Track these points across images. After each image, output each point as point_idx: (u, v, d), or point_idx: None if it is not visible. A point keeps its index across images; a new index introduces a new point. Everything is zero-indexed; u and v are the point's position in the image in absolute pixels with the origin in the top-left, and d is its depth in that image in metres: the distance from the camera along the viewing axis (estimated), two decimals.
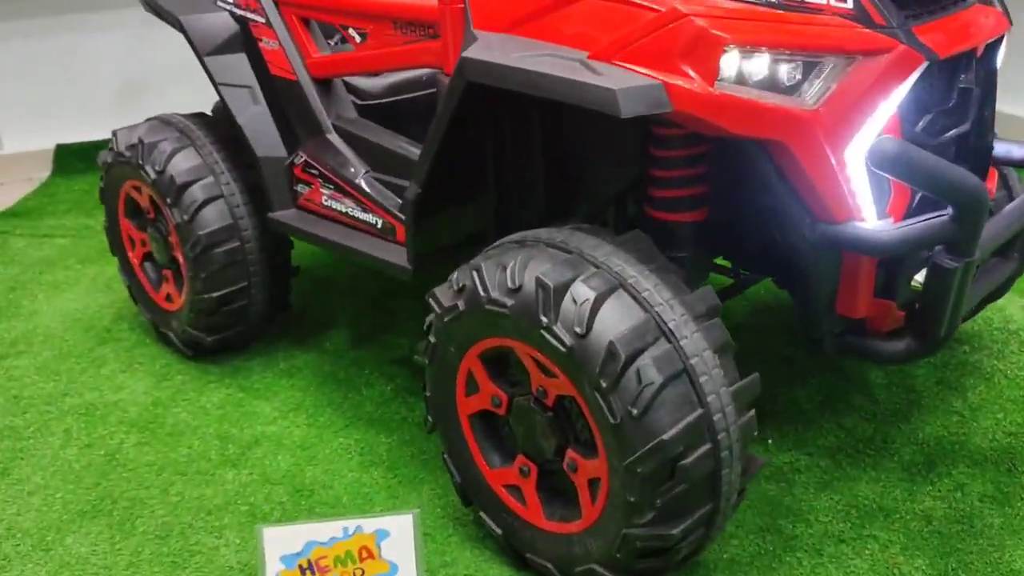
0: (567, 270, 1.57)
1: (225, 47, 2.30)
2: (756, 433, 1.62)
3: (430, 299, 1.78)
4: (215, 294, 2.47)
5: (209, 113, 2.73)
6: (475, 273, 1.66)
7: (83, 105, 4.36)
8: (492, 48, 1.65)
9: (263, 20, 2.25)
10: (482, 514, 1.86)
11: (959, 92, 1.73)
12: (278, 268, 2.55)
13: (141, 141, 2.48)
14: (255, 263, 2.48)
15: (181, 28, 2.34)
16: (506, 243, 1.73)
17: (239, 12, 2.29)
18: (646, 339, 1.50)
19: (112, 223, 2.77)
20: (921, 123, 1.67)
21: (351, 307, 2.93)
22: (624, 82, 1.49)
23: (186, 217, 2.40)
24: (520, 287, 1.58)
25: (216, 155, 2.45)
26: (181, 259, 2.51)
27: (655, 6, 1.53)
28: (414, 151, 2.05)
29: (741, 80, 1.51)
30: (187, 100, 4.37)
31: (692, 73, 1.50)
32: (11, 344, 2.86)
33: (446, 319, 1.73)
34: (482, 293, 1.63)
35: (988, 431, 2.18)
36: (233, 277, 2.47)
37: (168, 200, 2.42)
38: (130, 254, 2.77)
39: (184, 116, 2.59)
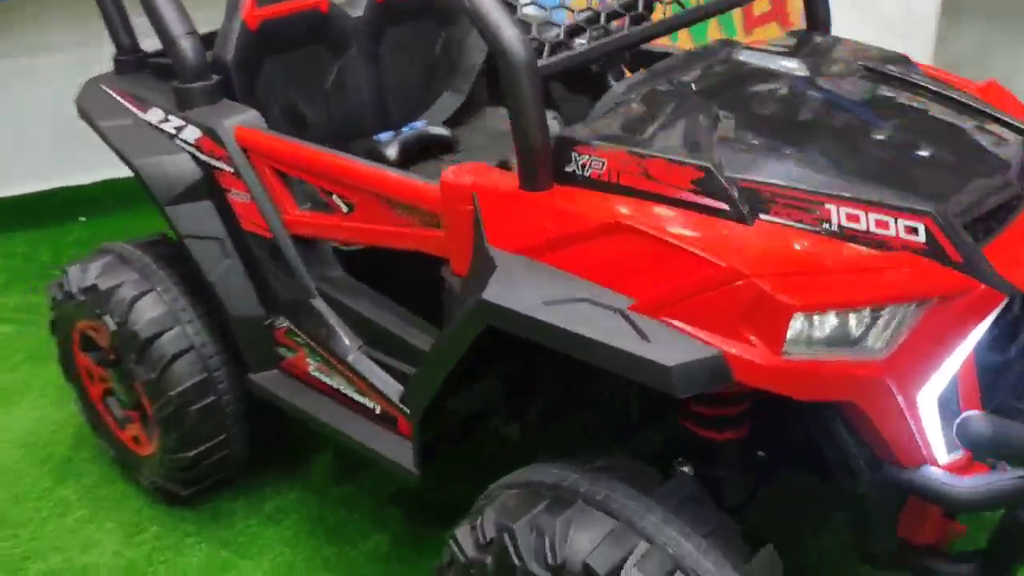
0: (616, 549, 1.39)
1: (188, 195, 2.04)
2: None
3: (451, 541, 1.59)
4: (191, 453, 2.24)
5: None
6: (507, 536, 1.47)
7: (19, 154, 3.99)
8: (515, 285, 1.43)
9: (231, 170, 1.98)
10: None
11: None
12: (259, 413, 2.32)
13: (96, 286, 2.21)
14: (233, 414, 2.26)
15: (136, 173, 2.06)
16: (536, 485, 1.54)
17: (203, 157, 2.02)
18: None
19: (66, 355, 2.51)
20: (997, 358, 1.50)
21: None
22: (679, 354, 1.30)
23: (154, 375, 2.16)
24: (563, 565, 1.40)
25: (182, 299, 2.20)
26: (150, 411, 2.27)
27: (714, 259, 1.33)
28: (414, 335, 1.84)
29: (808, 343, 1.33)
30: None
31: (754, 339, 1.31)
32: None
33: (472, 571, 1.55)
34: (516, 561, 1.45)
35: None
36: (209, 432, 2.25)
37: (133, 356, 2.17)
38: (88, 387, 2.52)
39: (141, 248, 2.32)
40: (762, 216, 1.40)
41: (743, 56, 1.84)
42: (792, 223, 1.40)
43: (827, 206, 1.39)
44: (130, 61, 2.29)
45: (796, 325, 1.31)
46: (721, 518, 1.48)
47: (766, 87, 1.73)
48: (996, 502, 1.43)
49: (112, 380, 2.41)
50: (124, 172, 4.33)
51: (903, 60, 1.89)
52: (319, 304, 1.98)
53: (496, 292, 1.43)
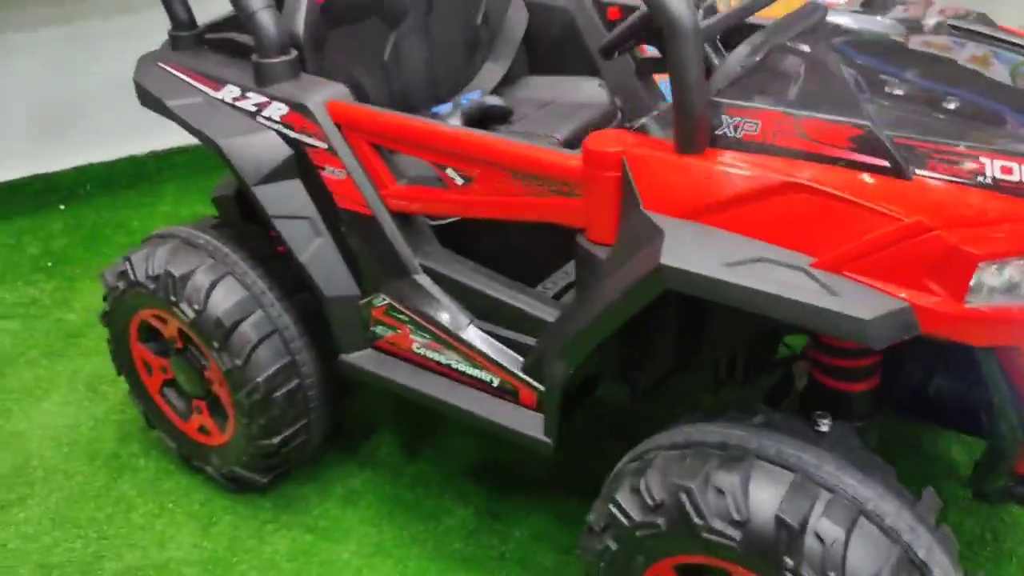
0: (802, 500, 1.44)
1: (277, 174, 1.98)
2: None
3: (610, 506, 1.61)
4: (275, 439, 2.20)
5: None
6: (684, 495, 1.50)
7: None
8: (691, 249, 1.45)
9: (324, 146, 1.94)
10: None
11: None
12: (336, 396, 2.29)
13: (169, 273, 2.14)
14: (315, 398, 2.22)
15: (222, 154, 1.99)
16: (699, 444, 1.57)
17: (292, 135, 1.96)
18: None
19: (120, 346, 2.42)
20: None
21: (391, 402, 2.69)
22: (871, 307, 1.34)
23: (239, 362, 2.10)
24: (750, 520, 1.44)
25: (260, 281, 2.15)
26: (227, 400, 2.22)
27: (897, 214, 1.37)
28: (534, 306, 1.84)
29: (988, 292, 1.39)
30: (116, 131, 3.91)
31: (938, 290, 1.37)
32: (5, 486, 2.50)
33: (638, 533, 1.57)
34: (697, 520, 1.48)
35: None
36: (293, 418, 2.20)
37: (215, 344, 2.11)
38: (145, 380, 2.43)
39: (206, 231, 2.24)
40: (918, 171, 1.45)
41: (837, 19, 1.89)
42: (949, 177, 1.45)
43: (982, 159, 1.45)
44: (188, 38, 2.19)
45: (979, 275, 1.36)
46: (883, 464, 1.54)
47: (878, 47, 1.77)
48: None
49: (175, 370, 2.33)
50: (98, 157, 4.19)
51: (984, 17, 1.97)
52: (424, 280, 1.96)
53: (674, 256, 1.44)
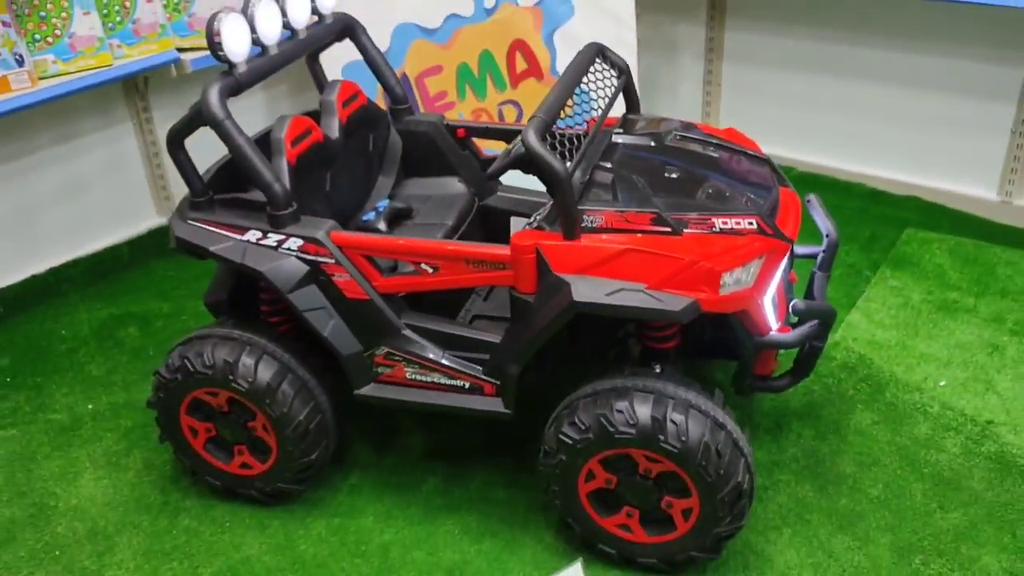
0: (661, 407, 2.80)
1: (301, 283, 3.06)
2: None
3: (558, 434, 2.90)
4: (309, 457, 3.28)
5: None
6: (602, 419, 2.82)
7: None
8: (585, 290, 2.76)
9: (332, 261, 3.06)
10: (600, 546, 3.07)
11: None
12: (342, 420, 3.40)
13: (225, 361, 3.15)
14: (330, 422, 3.32)
15: (263, 277, 3.05)
16: (603, 391, 2.89)
17: (309, 257, 3.06)
18: (715, 434, 2.80)
19: (169, 422, 3.36)
20: None
21: (364, 421, 3.80)
22: (679, 305, 2.72)
23: (285, 410, 3.16)
24: (638, 422, 2.78)
25: (285, 354, 3.21)
26: (272, 438, 3.25)
27: (681, 256, 2.75)
28: (485, 335, 3.08)
29: (728, 286, 2.82)
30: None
31: (706, 289, 2.78)
32: (92, 543, 3.34)
33: (578, 446, 2.87)
34: (611, 429, 2.81)
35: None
36: (321, 439, 3.29)
37: (266, 401, 3.15)
38: (191, 441, 3.39)
39: (235, 329, 3.26)
40: (686, 230, 2.85)
41: (617, 139, 3.28)
42: (701, 230, 2.86)
43: (713, 219, 2.87)
44: (203, 201, 3.20)
45: (723, 279, 2.78)
46: (692, 382, 2.95)
47: (643, 158, 3.18)
48: (803, 340, 3.04)
49: (221, 427, 3.33)
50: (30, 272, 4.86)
51: (691, 125, 3.45)
52: (409, 332, 3.13)
53: (580, 294, 2.75)
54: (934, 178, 5.19)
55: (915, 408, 3.71)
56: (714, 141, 3.32)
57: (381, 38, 4.55)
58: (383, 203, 3.64)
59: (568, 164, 2.87)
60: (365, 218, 3.56)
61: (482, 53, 4.89)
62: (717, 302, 2.79)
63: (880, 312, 4.30)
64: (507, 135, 3.81)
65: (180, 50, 4.71)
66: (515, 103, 5.09)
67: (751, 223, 2.88)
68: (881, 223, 5.04)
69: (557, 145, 2.91)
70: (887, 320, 4.24)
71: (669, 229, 2.82)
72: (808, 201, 3.35)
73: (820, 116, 5.46)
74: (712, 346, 3.31)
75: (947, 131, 5.01)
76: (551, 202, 3.06)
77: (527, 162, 3.02)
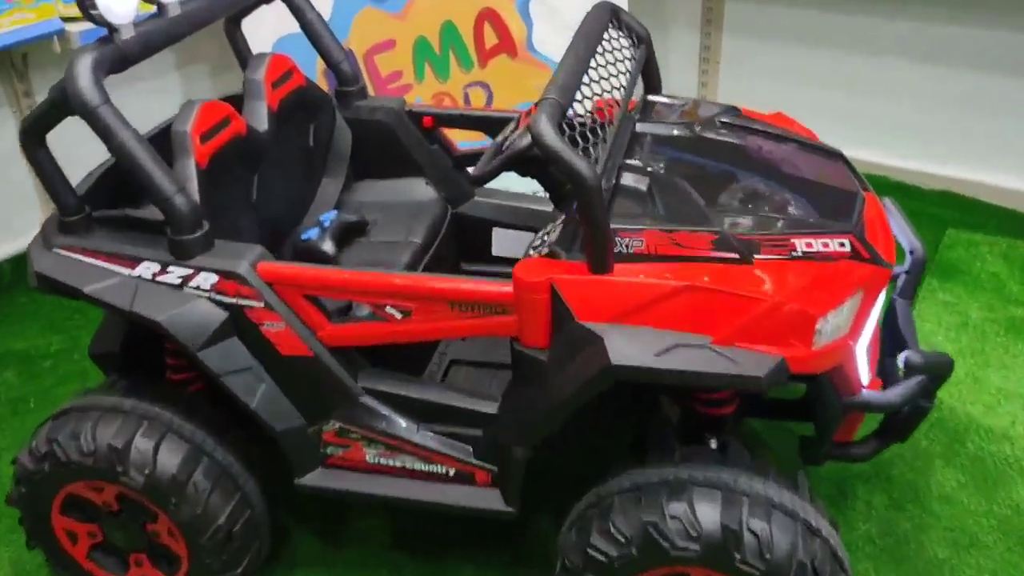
0: (734, 509, 1.98)
1: (216, 336, 2.18)
2: None
3: (572, 556, 2.07)
4: (234, 571, 2.39)
5: None
6: (651, 528, 1.99)
7: None
8: (625, 347, 1.93)
9: (260, 305, 2.17)
10: None
11: None
12: (275, 507, 2.52)
13: (110, 446, 2.25)
14: (263, 519, 2.44)
15: (162, 330, 2.15)
16: (646, 486, 2.06)
17: (227, 300, 2.17)
18: (809, 545, 1.99)
19: (39, 523, 2.45)
20: None
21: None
22: (761, 367, 1.91)
23: (198, 511, 2.28)
24: (702, 533, 1.96)
25: (197, 430, 2.32)
26: (182, 546, 2.36)
27: (760, 296, 1.94)
28: (476, 403, 2.23)
29: (823, 335, 2.01)
30: None
31: (795, 342, 1.96)
32: None
33: (616, 565, 2.04)
34: (665, 544, 1.98)
35: None
36: (247, 544, 2.41)
37: (172, 500, 2.26)
38: (70, 549, 2.48)
39: (126, 395, 2.36)
40: (757, 256, 2.04)
41: (643, 129, 2.44)
42: (776, 256, 2.05)
43: (792, 240, 2.06)
44: (78, 222, 2.29)
45: (818, 327, 1.98)
46: (767, 465, 2.14)
47: (682, 155, 2.35)
48: (908, 401, 2.25)
49: (109, 531, 2.42)
50: None
51: (734, 109, 2.63)
52: (368, 400, 2.27)
53: (619, 355, 1.92)
54: (970, 168, 4.48)
55: (1007, 463, 2.96)
56: (771, 131, 2.51)
57: (321, 4, 3.65)
58: (329, 215, 2.76)
59: (596, 163, 2.03)
60: (305, 236, 2.68)
61: (444, 24, 4.17)
62: (810, 359, 1.99)
63: (937, 334, 3.55)
64: (488, 124, 2.95)
65: (65, 19, 3.74)
66: (484, 85, 4.25)
67: (843, 244, 2.08)
68: (915, 223, 4.27)
69: (578, 139, 2.07)
70: (947, 345, 3.49)
71: (736, 256, 2.01)
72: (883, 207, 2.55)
73: (835, 97, 4.70)
74: (777, 405, 2.51)
75: (986, 113, 4.37)
76: (563, 218, 2.21)
77: (528, 161, 2.17)
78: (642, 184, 2.19)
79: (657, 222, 2.05)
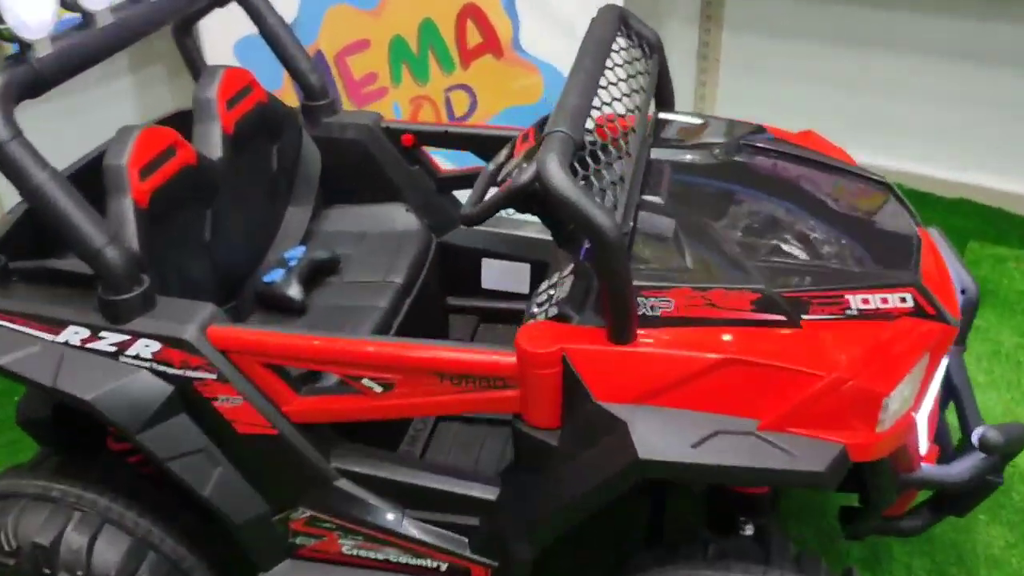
0: None
1: (160, 415, 1.82)
2: None
3: None
4: None
5: None
6: None
7: None
8: (655, 436, 1.59)
9: (212, 377, 1.81)
10: None
11: None
12: None
13: (35, 544, 1.88)
14: None
15: (94, 410, 1.78)
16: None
17: (172, 371, 1.81)
18: None
19: None
20: None
21: None
22: (820, 459, 1.59)
23: None
24: None
25: (140, 519, 1.97)
26: None
27: (816, 371, 1.60)
28: (473, 487, 1.88)
29: (889, 415, 1.68)
30: None
31: (858, 424, 1.64)
32: None
33: None
34: None
35: None
36: None
37: None
38: None
39: (55, 479, 1.99)
40: (804, 316, 1.71)
41: (658, 155, 2.10)
42: (827, 316, 1.72)
43: (846, 296, 1.73)
44: None
45: (884, 405, 1.65)
46: (818, 561, 1.81)
47: (706, 186, 2.01)
48: (976, 478, 1.93)
49: None
50: None
51: (760, 129, 2.29)
52: (344, 484, 1.92)
53: (648, 448, 1.58)
54: (990, 175, 4.17)
55: None
56: (806, 155, 2.17)
57: (286, 3, 3.28)
58: (295, 252, 2.40)
59: (615, 209, 1.69)
60: (268, 278, 2.32)
61: (422, 23, 3.75)
62: (874, 445, 1.66)
63: (969, 365, 3.24)
64: (477, 143, 2.60)
65: None
66: (467, 88, 3.90)
67: (904, 299, 1.76)
68: None
69: (592, 180, 1.72)
70: (980, 376, 3.19)
71: (782, 317, 1.67)
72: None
73: (844, 98, 4.37)
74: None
75: (1006, 116, 4.03)
76: (571, 267, 1.87)
77: (529, 197, 1.84)
78: (665, 229, 1.85)
79: (687, 278, 1.71)
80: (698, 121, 2.31)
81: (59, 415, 2.15)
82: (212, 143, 2.22)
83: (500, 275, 2.71)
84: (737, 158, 2.12)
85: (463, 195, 3.04)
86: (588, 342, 1.66)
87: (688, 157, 2.10)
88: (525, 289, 2.69)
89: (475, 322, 2.75)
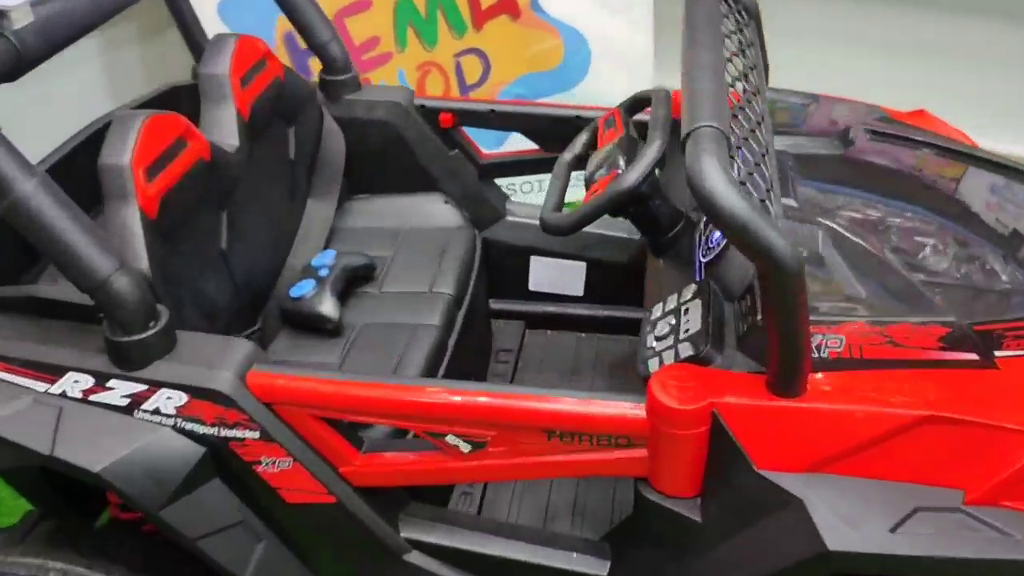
0: None
1: (188, 485, 1.44)
2: None
3: None
4: None
5: None
6: None
7: None
8: (842, 519, 1.26)
9: (254, 436, 1.43)
10: None
11: None
12: None
13: None
14: None
15: (105, 483, 1.39)
16: None
17: (203, 430, 1.42)
18: None
19: None
20: None
21: None
22: None
23: None
24: None
25: None
26: None
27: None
28: (582, 562, 1.54)
29: None
30: None
31: None
32: None
33: None
34: None
35: None
36: None
37: None
38: None
39: (48, 545, 1.62)
40: (996, 353, 1.38)
41: (777, 143, 1.75)
42: (1020, 352, 1.40)
43: None
44: None
45: None
46: None
47: (846, 188, 1.67)
48: None
49: None
50: None
51: (875, 109, 1.95)
52: (417, 558, 1.55)
53: (836, 536, 1.24)
54: None
55: None
56: (945, 145, 1.84)
57: None
58: (324, 258, 2.02)
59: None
60: (296, 292, 1.93)
61: None
62: None
63: None
64: (531, 124, 2.22)
65: None
66: (479, 52, 3.53)
67: None
68: None
69: (751, 189, 1.36)
70: None
71: (975, 356, 1.34)
72: None
73: (874, 59, 3.99)
74: None
75: None
76: (694, 288, 1.52)
77: (631, 201, 1.47)
78: (811, 241, 1.50)
79: (862, 310, 1.37)
80: (803, 99, 1.96)
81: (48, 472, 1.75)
82: (226, 131, 1.81)
83: (551, 275, 2.36)
84: (867, 148, 1.78)
85: (505, 184, 2.66)
86: (746, 395, 1.31)
87: (813, 148, 1.75)
88: (579, 292, 2.34)
89: (521, 328, 2.39)
